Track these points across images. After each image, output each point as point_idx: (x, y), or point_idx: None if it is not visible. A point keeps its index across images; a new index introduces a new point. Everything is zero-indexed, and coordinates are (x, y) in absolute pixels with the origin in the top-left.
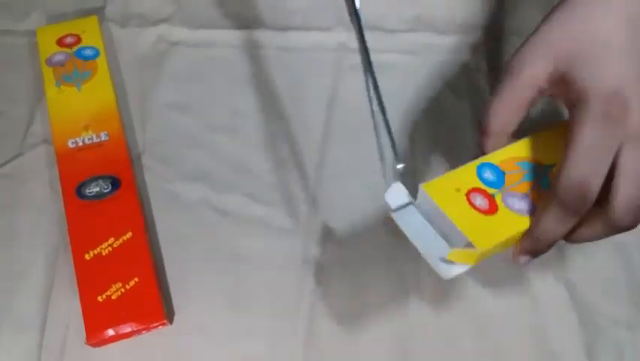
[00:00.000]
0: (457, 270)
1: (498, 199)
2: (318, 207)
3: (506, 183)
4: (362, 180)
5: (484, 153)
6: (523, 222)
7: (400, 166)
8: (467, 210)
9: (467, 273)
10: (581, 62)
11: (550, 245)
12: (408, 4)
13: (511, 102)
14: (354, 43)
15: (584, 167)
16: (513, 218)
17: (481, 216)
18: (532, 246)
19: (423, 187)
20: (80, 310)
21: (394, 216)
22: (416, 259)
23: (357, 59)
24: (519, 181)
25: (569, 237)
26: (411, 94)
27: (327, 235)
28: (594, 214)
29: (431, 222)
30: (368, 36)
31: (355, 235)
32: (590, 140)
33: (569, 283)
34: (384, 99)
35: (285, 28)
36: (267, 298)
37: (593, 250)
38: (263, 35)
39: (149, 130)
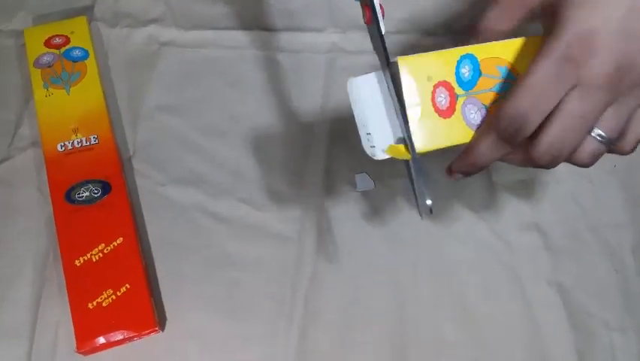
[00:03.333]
0: (383, 156)
1: (459, 103)
2: (313, 213)
3: (476, 87)
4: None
5: None
6: (466, 137)
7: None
8: (427, 103)
9: (461, 277)
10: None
11: (481, 168)
12: (397, 6)
13: (503, 12)
14: (347, 44)
15: (527, 101)
16: (460, 130)
17: (435, 115)
18: (466, 167)
19: (398, 59)
20: (70, 317)
21: (351, 81)
22: (413, 266)
23: (349, 59)
24: (488, 89)
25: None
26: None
27: (322, 241)
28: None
29: (385, 99)
30: (358, 37)
31: (350, 242)
32: (542, 76)
33: (561, 287)
34: None
35: (277, 29)
36: (260, 304)
37: (584, 253)
38: (255, 36)
39: (140, 133)
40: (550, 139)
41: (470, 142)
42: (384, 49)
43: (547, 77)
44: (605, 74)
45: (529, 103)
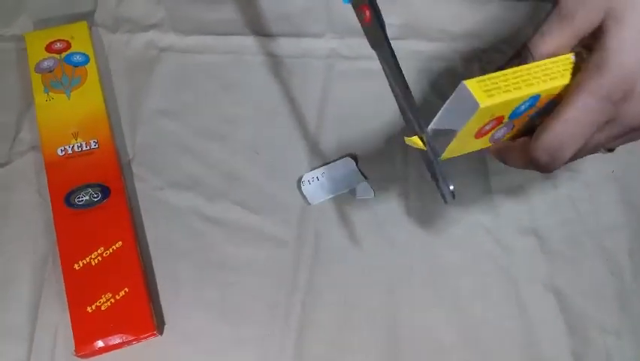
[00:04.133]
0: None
1: (498, 128)
2: (309, 216)
3: (521, 117)
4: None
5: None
6: (485, 145)
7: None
8: (472, 130)
9: (457, 281)
10: (622, 27)
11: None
12: (397, 11)
13: (552, 40)
14: (345, 50)
15: (565, 135)
16: (483, 142)
17: (471, 137)
18: (499, 160)
19: (481, 105)
20: (69, 321)
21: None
22: (407, 268)
23: (347, 65)
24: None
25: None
26: None
27: (318, 245)
28: (522, 142)
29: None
30: (356, 43)
31: (346, 246)
32: (584, 113)
33: (557, 290)
34: (375, 105)
35: (276, 35)
36: (257, 307)
37: (581, 257)
38: (253, 41)
39: (139, 137)
40: (553, 135)
41: (504, 154)
42: (390, 46)
43: (588, 115)
44: (639, 116)
45: (565, 137)
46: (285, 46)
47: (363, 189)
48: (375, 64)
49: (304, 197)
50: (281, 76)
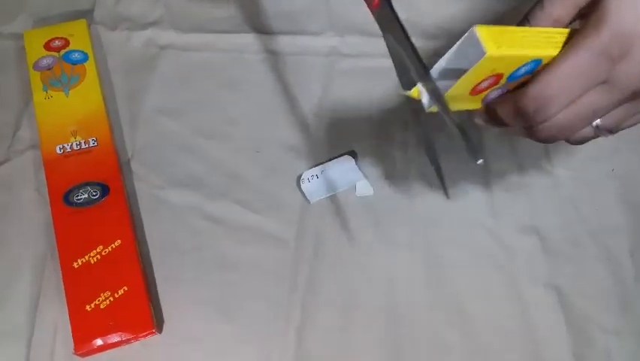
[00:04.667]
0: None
1: (493, 88)
2: (309, 214)
3: (517, 81)
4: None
5: None
6: (477, 105)
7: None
8: (468, 85)
9: (458, 280)
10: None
11: (494, 125)
12: (397, 9)
13: (557, 9)
14: (345, 48)
15: (554, 87)
16: (476, 102)
17: (466, 94)
18: (485, 119)
19: (488, 52)
20: (68, 319)
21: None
22: (408, 268)
23: (348, 63)
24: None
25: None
26: (400, 98)
27: (318, 243)
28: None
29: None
30: (357, 41)
31: (347, 245)
32: (576, 67)
33: (558, 290)
34: (375, 103)
35: (275, 33)
36: (257, 306)
37: (582, 256)
38: (253, 39)
39: (139, 136)
40: (560, 122)
41: (489, 105)
42: (403, 28)
43: (580, 69)
44: (636, 78)
45: (555, 89)
46: (285, 44)
47: (363, 186)
48: (374, 62)
49: (304, 195)
50: (281, 74)
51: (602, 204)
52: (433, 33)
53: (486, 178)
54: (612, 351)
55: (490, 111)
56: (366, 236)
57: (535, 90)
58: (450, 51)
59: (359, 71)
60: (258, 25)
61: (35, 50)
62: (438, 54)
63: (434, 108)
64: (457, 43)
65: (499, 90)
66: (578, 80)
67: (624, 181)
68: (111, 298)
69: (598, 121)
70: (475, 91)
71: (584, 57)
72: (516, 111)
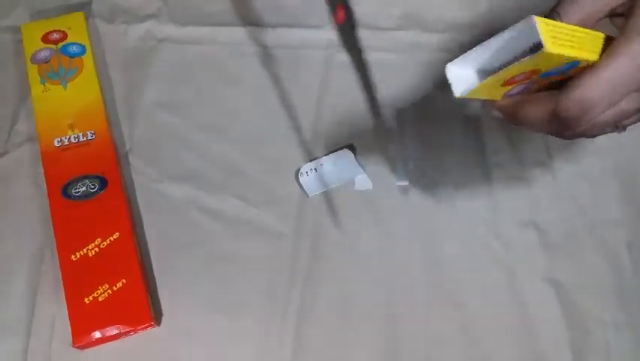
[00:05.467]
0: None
1: (519, 84)
2: (308, 208)
3: (548, 78)
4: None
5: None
6: (498, 96)
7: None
8: (503, 77)
9: (457, 274)
10: None
11: (516, 125)
12: (397, 2)
13: (589, 4)
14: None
15: (598, 92)
16: (500, 92)
17: (497, 85)
18: (507, 115)
19: (545, 48)
20: (66, 312)
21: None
22: (407, 262)
23: (345, 56)
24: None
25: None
26: (400, 92)
27: (317, 237)
28: (547, 94)
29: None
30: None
31: (345, 239)
32: (620, 74)
33: (557, 284)
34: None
35: (274, 26)
36: (255, 300)
37: (580, 250)
38: (252, 32)
39: (137, 129)
40: (593, 125)
41: (521, 107)
42: (361, 48)
43: (623, 76)
44: None
45: (599, 95)
46: (283, 37)
47: (362, 180)
48: (374, 55)
49: (302, 189)
50: (279, 67)
51: (601, 198)
52: (434, 26)
53: (485, 172)
54: (611, 345)
55: (510, 107)
56: (365, 230)
57: (578, 94)
58: (498, 38)
59: None
60: (257, 18)
61: (33, 43)
62: (439, 48)
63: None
64: (509, 32)
65: (524, 86)
66: (620, 87)
67: (623, 176)
68: (109, 291)
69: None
70: (507, 83)
71: (627, 64)
72: (553, 114)
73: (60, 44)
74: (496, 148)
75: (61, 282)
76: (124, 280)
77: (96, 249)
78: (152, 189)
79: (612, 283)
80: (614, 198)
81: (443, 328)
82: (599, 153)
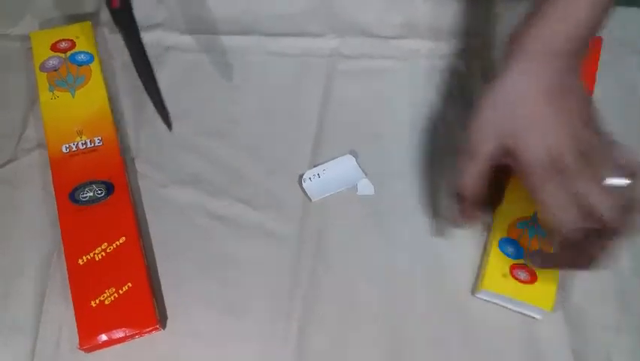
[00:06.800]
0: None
1: (529, 265)
2: (311, 212)
3: (524, 248)
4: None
5: (465, 217)
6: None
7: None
8: (518, 286)
9: (458, 277)
10: (517, 137)
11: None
12: (397, 11)
13: (475, 175)
14: (346, 49)
15: (560, 216)
16: (547, 275)
17: (528, 286)
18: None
19: (482, 288)
20: (73, 315)
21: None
22: (409, 265)
23: (348, 64)
24: (528, 241)
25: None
26: (401, 98)
27: (319, 241)
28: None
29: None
30: (358, 43)
31: (348, 243)
32: (550, 197)
33: (557, 286)
34: (376, 103)
35: (277, 34)
36: (259, 302)
37: None
38: (256, 41)
39: (143, 135)
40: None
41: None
42: (137, 30)
43: (553, 193)
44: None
45: (561, 215)
46: (287, 45)
47: (364, 185)
48: (375, 63)
49: (306, 194)
50: (283, 75)
51: None
52: (433, 35)
53: None
54: (611, 347)
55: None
56: (367, 235)
57: (558, 227)
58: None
59: (360, 72)
60: (261, 27)
61: (42, 52)
62: (438, 56)
63: None
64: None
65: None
66: (559, 198)
67: None
68: (116, 295)
69: None
70: (518, 280)
71: (546, 190)
72: (565, 241)
73: (68, 53)
74: None
75: (68, 285)
76: (130, 284)
77: (103, 253)
78: (158, 194)
79: (612, 285)
80: None
81: (444, 330)
82: None
